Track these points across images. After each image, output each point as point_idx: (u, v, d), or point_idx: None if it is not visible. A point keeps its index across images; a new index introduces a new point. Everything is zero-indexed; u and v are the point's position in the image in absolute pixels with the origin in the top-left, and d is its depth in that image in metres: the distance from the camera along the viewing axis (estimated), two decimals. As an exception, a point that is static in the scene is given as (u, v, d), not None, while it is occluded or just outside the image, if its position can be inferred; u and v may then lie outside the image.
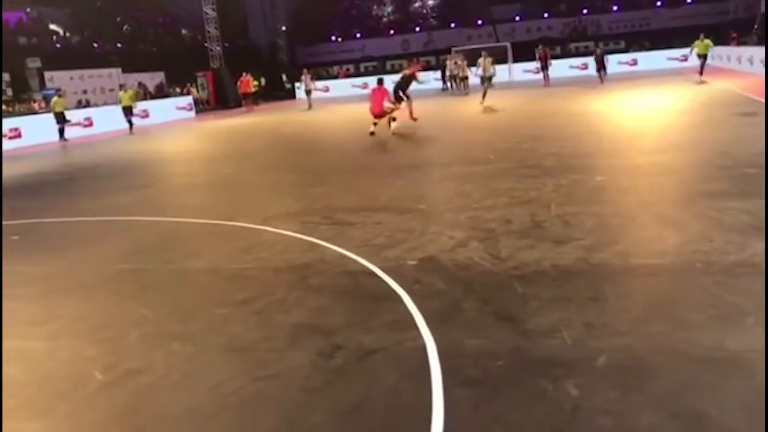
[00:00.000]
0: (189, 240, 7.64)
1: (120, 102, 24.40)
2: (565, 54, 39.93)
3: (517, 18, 46.29)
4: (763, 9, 32.46)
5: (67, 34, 33.14)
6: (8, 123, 22.58)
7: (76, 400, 3.90)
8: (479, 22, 46.26)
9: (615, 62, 32.88)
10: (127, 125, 24.06)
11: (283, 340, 4.48)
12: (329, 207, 8.31)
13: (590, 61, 31.65)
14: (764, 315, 4.13)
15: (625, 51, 39.74)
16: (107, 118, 25.39)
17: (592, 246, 5.77)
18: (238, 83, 32.13)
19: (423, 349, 4.11)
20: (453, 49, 35.72)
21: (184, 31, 41.19)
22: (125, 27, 36.27)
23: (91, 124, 25.27)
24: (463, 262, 5.66)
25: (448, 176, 9.99)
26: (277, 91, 38.08)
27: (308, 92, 29.40)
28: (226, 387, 3.88)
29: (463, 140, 13.84)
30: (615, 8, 44.75)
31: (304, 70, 31.04)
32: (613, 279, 5.04)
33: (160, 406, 3.74)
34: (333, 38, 49.35)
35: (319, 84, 30.40)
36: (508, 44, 37.20)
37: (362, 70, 45.88)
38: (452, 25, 47.39)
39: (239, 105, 32.18)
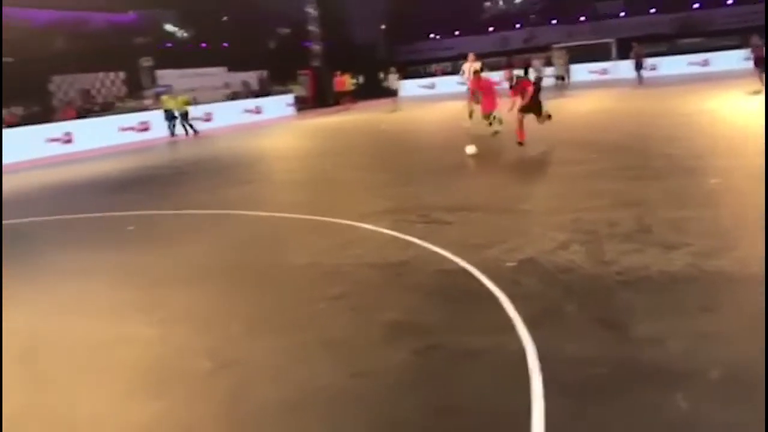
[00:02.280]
0: (289, 235, 7.81)
1: (163, 105, 23.66)
2: (674, 51, 38.03)
3: (622, 14, 44.61)
4: None
5: (178, 34, 34.76)
6: (134, 118, 24.03)
7: (188, 386, 4.06)
8: (581, 18, 44.91)
9: (734, 59, 30.91)
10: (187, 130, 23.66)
11: (378, 336, 4.49)
12: (425, 205, 8.27)
13: (693, 58, 30.21)
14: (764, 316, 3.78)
15: (738, 47, 37.42)
16: (222, 115, 26.58)
17: (706, 252, 5.44)
18: (334, 82, 32.71)
19: (522, 353, 4.00)
20: (553, 46, 34.84)
21: (285, 30, 42.23)
22: (230, 26, 37.59)
23: (209, 120, 26.64)
24: (565, 265, 5.48)
25: (548, 175, 9.74)
26: (375, 89, 38.40)
27: (394, 92, 29.21)
28: (321, 381, 3.92)
29: (564, 139, 13.47)
30: (730, 1, 42.27)
31: (391, 69, 31.03)
32: (728, 287, 4.74)
33: (259, 397, 3.83)
34: (432, 35, 49.29)
35: (395, 81, 29.79)
36: (612, 41, 35.91)
37: (459, 68, 45.54)
38: (553, 21, 46.27)
39: (337, 103, 32.72)
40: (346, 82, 32.31)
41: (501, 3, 50.37)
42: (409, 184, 10.14)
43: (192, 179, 13.42)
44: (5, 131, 19.49)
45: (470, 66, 18.46)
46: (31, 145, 18.31)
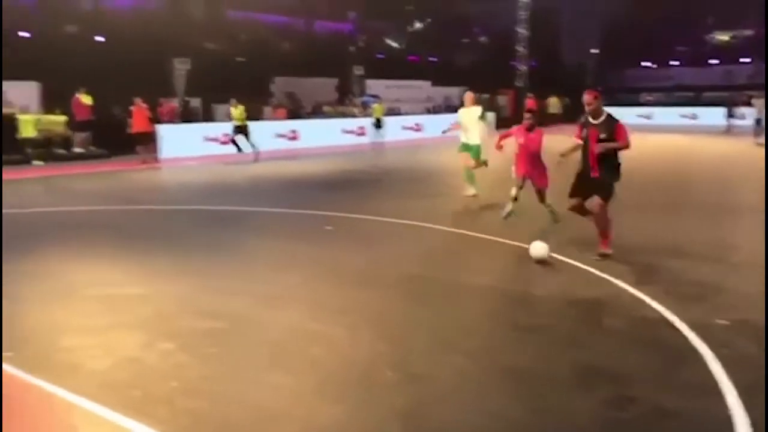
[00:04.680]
0: (476, 254, 7.75)
1: (232, 119, 19.81)
2: None
3: None
4: None
5: (394, 45, 36.19)
6: (354, 123, 25.60)
7: (370, 394, 4.14)
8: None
9: None
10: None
11: (567, 376, 4.29)
12: (624, 242, 7.80)
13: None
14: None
15: None
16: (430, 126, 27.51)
17: None
18: (525, 103, 32.26)
19: (729, 421, 3.62)
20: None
21: (489, 47, 42.35)
22: (439, 42, 38.44)
23: (419, 129, 27.53)
24: (788, 333, 4.88)
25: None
26: (579, 114, 37.20)
27: None
28: (501, 411, 3.82)
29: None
30: None
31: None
32: None
33: (438, 417, 3.80)
34: (646, 63, 46.80)
35: None
36: None
37: (674, 100, 42.77)
38: (788, 57, 41.81)
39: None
40: (550, 104, 31.74)
41: (726, 35, 46.57)
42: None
43: (387, 187, 13.87)
44: (227, 125, 21.40)
45: (466, 111, 11.79)
46: (258, 138, 19.91)
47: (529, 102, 31.71)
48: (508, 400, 3.97)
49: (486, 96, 34.80)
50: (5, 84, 18.46)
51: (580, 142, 7.24)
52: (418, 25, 38.98)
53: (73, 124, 18.94)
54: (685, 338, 4.81)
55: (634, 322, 5.23)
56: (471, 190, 11.40)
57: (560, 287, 6.18)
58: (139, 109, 17.72)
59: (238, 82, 23.44)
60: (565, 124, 32.88)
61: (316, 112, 27.02)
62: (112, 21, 24.20)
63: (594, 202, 7.12)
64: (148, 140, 18.01)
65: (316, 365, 4.53)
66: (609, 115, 7.13)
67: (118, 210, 11.02)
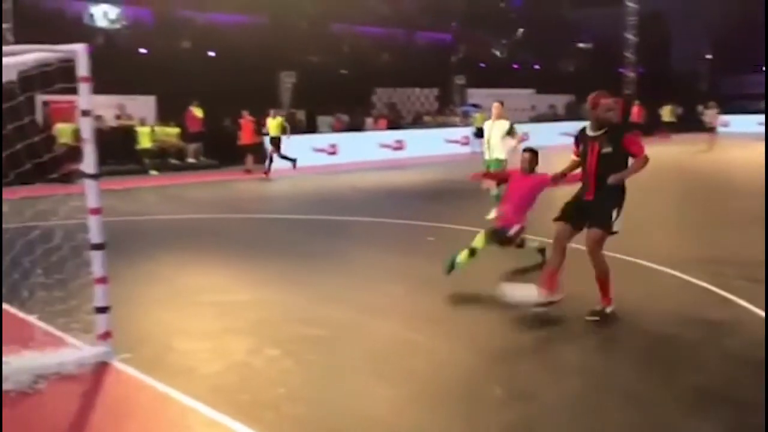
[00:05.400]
0: (585, 269, 7.44)
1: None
2: None
3: None
4: None
5: (497, 53, 35.82)
6: (458, 132, 25.65)
7: (470, 407, 4.06)
8: None
9: None
10: None
11: (688, 401, 4.05)
12: (746, 259, 7.33)
13: None
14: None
15: None
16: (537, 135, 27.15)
17: None
18: (632, 111, 30.89)
19: None
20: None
21: (594, 53, 41.12)
22: (542, 50, 37.72)
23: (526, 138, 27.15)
24: None
25: None
26: (692, 123, 35.49)
27: (711, 129, 26.28)
28: (615, 434, 3.64)
29: None
30: None
31: (710, 103, 28.12)
32: None
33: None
34: (763, 68, 44.04)
35: None
36: None
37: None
38: None
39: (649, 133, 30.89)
40: (640, 113, 30.37)
41: None
42: (727, 232, 9.09)
43: (487, 197, 13.66)
44: (336, 136, 21.89)
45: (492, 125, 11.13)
46: (362, 148, 20.24)
47: (636, 110, 30.47)
48: (626, 424, 3.79)
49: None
50: (125, 98, 19.72)
51: (577, 159, 5.88)
52: (520, 32, 38.41)
53: (185, 136, 19.95)
54: (818, 365, 4.43)
55: (758, 345, 4.85)
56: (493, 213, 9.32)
57: (677, 306, 5.88)
58: (246, 122, 18.39)
59: (341, 93, 23.94)
60: (680, 134, 31.60)
61: (417, 122, 27.14)
62: (222, 36, 25.29)
63: (589, 235, 5.51)
64: (255, 151, 18.63)
65: (416, 376, 4.50)
66: (615, 125, 5.83)
67: (227, 218, 11.44)
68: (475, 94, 30.66)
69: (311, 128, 23.64)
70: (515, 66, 34.46)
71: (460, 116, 28.11)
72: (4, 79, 5.02)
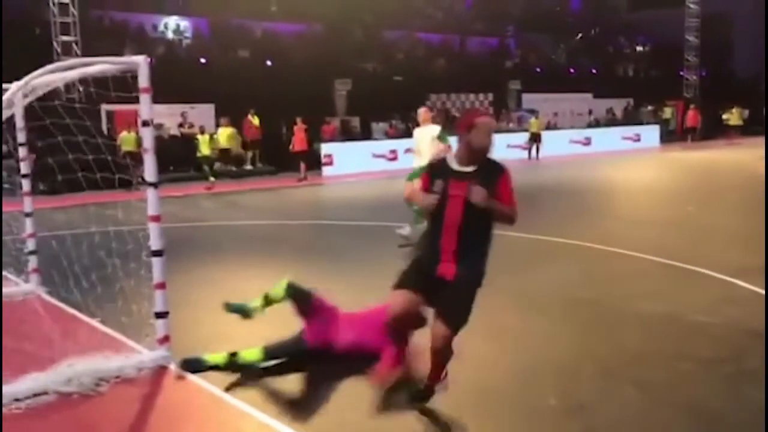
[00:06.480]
0: (646, 278, 7.25)
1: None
2: None
3: None
4: None
5: (554, 58, 35.29)
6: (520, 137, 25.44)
7: (524, 419, 3.98)
8: None
9: None
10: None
11: (758, 417, 3.86)
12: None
13: None
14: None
15: None
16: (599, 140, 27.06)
17: None
18: (687, 115, 29.92)
19: None
20: None
21: (654, 56, 40.11)
22: (599, 54, 36.99)
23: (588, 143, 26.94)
24: None
25: None
26: (758, 126, 34.24)
27: None
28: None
29: None
30: None
31: None
32: None
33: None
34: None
35: None
36: None
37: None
38: None
39: (698, 137, 29.92)
40: (696, 117, 29.34)
41: None
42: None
43: (548, 204, 13.45)
44: (396, 142, 21.99)
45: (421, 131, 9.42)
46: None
47: (691, 114, 29.45)
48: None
49: (649, 108, 33.03)
50: (187, 107, 20.23)
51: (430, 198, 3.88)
52: (578, 36, 37.82)
53: (243, 143, 20.31)
54: None
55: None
56: (407, 229, 9.09)
57: (740, 316, 5.63)
58: (299, 129, 18.61)
59: (395, 100, 24.00)
60: (745, 137, 30.55)
61: (469, 128, 27.03)
62: (279, 45, 25.71)
63: (437, 330, 3.80)
64: (307, 158, 18.80)
65: (475, 386, 4.42)
66: (491, 159, 3.98)
67: (282, 224, 11.57)
68: (531, 99, 30.32)
69: (366, 135, 23.78)
70: (571, 70, 33.89)
71: (514, 122, 27.83)
72: (71, 90, 5.20)
